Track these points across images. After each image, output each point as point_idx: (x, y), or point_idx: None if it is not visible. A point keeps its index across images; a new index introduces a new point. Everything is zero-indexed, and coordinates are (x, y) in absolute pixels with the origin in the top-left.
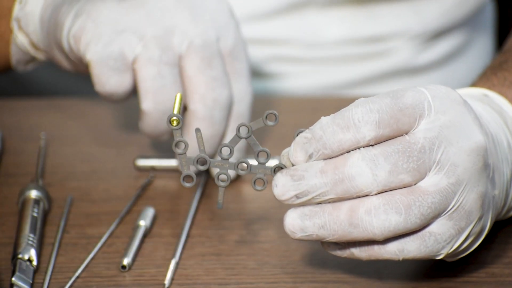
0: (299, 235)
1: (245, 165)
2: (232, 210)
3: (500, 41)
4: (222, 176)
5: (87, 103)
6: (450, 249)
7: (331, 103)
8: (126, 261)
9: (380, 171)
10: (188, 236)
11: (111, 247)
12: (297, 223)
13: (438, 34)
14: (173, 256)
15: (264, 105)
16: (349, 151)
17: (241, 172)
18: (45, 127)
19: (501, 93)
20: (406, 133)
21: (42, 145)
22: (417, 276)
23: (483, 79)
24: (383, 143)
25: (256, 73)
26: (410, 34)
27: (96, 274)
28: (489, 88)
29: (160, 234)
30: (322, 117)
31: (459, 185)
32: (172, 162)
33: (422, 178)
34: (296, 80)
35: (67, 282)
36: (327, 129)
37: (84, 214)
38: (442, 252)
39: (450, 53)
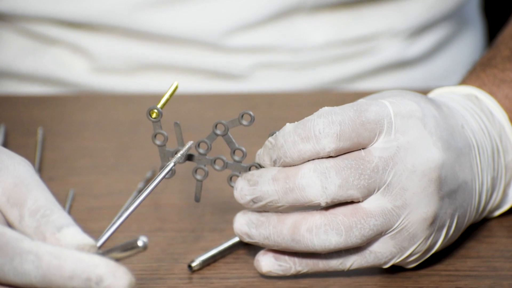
0: (246, 240)
1: (221, 161)
2: (233, 204)
3: (490, 31)
4: (199, 171)
5: (89, 97)
6: (394, 262)
7: (329, 97)
8: (194, 263)
9: (330, 185)
10: (190, 230)
11: (113, 241)
12: (244, 229)
13: (424, 28)
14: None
15: (265, 100)
16: (309, 161)
17: (217, 168)
18: (46, 122)
19: (491, 92)
20: (365, 147)
21: (39, 140)
22: (418, 269)
23: (473, 76)
24: (338, 157)
25: (242, 77)
26: (394, 31)
27: None
28: (480, 86)
29: (162, 228)
30: (287, 124)
31: (404, 209)
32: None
33: (371, 195)
34: (284, 81)
35: None
36: (288, 139)
37: (86, 208)
38: (385, 266)
39: (438, 45)
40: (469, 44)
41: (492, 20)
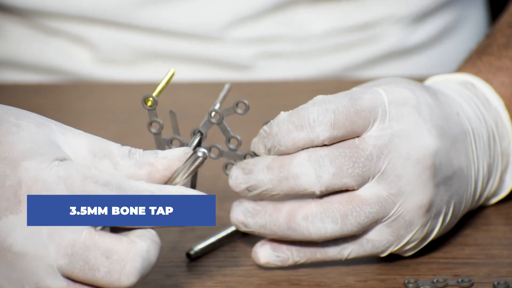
0: (243, 229)
1: (216, 150)
2: (230, 192)
3: (494, 17)
4: None
5: (87, 86)
6: (392, 251)
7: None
8: (192, 251)
9: (324, 173)
10: None
11: None
12: (240, 219)
13: (426, 14)
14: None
15: (267, 88)
16: (304, 149)
17: (213, 156)
18: (44, 110)
19: (487, 80)
20: (359, 135)
21: None
22: (416, 256)
23: (469, 64)
24: (332, 145)
25: (245, 67)
26: (396, 17)
27: None
28: (476, 74)
29: None
30: (281, 112)
31: (400, 196)
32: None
33: (365, 183)
34: (288, 71)
35: None
36: (283, 127)
37: None
38: (382, 254)
39: (442, 31)
40: (473, 31)
41: (495, 6)
